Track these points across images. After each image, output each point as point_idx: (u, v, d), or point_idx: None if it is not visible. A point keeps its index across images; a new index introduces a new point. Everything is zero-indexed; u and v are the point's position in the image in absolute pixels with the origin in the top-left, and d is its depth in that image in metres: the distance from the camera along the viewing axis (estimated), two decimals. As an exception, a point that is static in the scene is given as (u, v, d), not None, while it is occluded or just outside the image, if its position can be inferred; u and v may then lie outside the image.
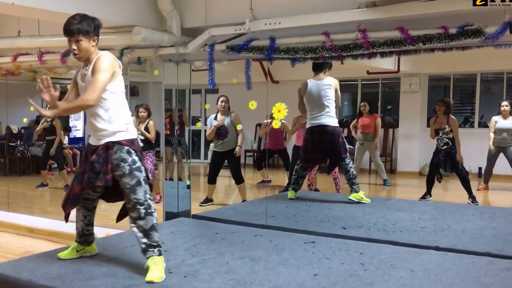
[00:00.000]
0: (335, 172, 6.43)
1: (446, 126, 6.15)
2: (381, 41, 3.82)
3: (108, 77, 2.75)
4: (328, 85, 4.99)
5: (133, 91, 9.47)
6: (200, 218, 4.53)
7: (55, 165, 8.41)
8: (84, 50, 2.82)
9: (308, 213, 4.62)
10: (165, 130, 6.57)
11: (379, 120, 7.97)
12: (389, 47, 3.81)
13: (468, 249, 3.31)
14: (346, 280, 2.74)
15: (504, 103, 7.03)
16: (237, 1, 4.40)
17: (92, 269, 2.91)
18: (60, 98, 2.76)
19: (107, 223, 4.39)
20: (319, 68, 5.05)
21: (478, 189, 7.14)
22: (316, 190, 6.80)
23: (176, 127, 6.88)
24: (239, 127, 6.15)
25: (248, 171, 9.72)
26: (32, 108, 2.84)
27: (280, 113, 4.34)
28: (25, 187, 8.42)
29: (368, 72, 9.24)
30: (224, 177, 7.46)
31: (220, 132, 6.15)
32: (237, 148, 6.15)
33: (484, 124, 9.51)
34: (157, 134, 6.60)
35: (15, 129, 10.03)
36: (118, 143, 2.82)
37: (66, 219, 3.05)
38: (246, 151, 10.20)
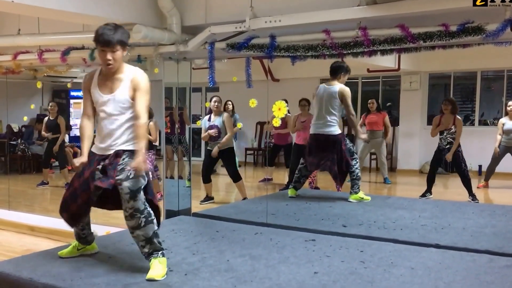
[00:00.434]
0: None
1: (453, 127, 6.14)
2: (382, 39, 3.82)
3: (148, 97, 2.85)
4: (333, 92, 4.91)
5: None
6: (201, 216, 4.54)
7: (56, 164, 8.41)
8: (119, 60, 2.82)
9: (308, 211, 4.62)
10: (165, 128, 6.57)
11: (387, 118, 7.96)
12: (390, 44, 3.81)
13: (468, 247, 3.31)
14: (347, 278, 2.74)
15: (510, 103, 7.01)
16: (237, -1, 4.40)
17: (92, 267, 2.91)
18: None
19: (107, 221, 4.39)
20: (332, 73, 5.00)
21: (478, 187, 7.14)
22: (317, 188, 6.80)
23: (176, 126, 6.88)
24: (239, 125, 6.12)
25: (248, 169, 9.72)
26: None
27: (281, 111, 4.34)
28: (26, 185, 8.42)
29: (368, 70, 9.23)
30: (225, 176, 7.45)
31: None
32: (214, 148, 6.09)
33: (484, 122, 9.51)
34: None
35: (15, 127, 10.03)
36: (128, 151, 2.84)
37: (72, 224, 3.04)
38: (246, 149, 10.22)
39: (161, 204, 4.89)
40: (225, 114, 6.20)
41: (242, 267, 2.94)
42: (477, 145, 7.45)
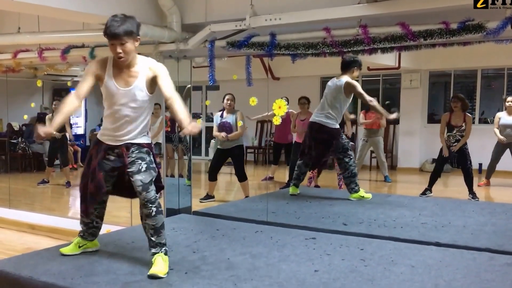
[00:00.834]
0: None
1: (463, 124, 6.12)
2: (382, 37, 3.82)
3: None
4: (340, 85, 4.82)
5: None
6: (201, 215, 4.54)
7: (57, 162, 8.41)
8: (129, 53, 2.74)
9: (308, 210, 4.61)
10: (166, 127, 6.57)
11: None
12: (390, 42, 3.80)
13: (468, 245, 3.31)
14: (347, 276, 2.74)
15: (509, 98, 6.99)
16: (237, -3, 4.39)
17: (93, 265, 2.91)
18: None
19: (107, 219, 4.37)
20: (344, 67, 4.90)
21: (479, 185, 7.14)
22: (317, 186, 6.80)
23: (177, 124, 6.88)
24: (239, 123, 6.14)
25: (249, 168, 9.72)
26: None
27: (281, 109, 4.34)
28: (26, 184, 8.43)
29: (368, 68, 9.23)
30: (225, 174, 7.47)
31: (225, 129, 6.15)
32: (222, 134, 6.11)
33: (484, 120, 9.51)
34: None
35: (16, 126, 10.03)
36: (138, 144, 2.86)
37: (87, 216, 3.08)
38: (247, 147, 10.21)
39: (161, 202, 4.90)
40: (239, 112, 6.21)
41: (243, 265, 2.94)
42: (477, 143, 7.43)
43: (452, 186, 7.58)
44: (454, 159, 6.20)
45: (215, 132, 6.28)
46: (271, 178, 7.95)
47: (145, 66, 2.82)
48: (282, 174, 8.14)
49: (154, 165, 2.88)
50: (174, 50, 4.66)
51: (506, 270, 2.81)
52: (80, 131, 11.29)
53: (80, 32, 4.91)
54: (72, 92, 2.86)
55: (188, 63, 4.87)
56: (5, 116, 9.35)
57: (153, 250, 2.84)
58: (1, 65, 6.28)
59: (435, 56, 8.01)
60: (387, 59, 7.92)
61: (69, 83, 9.34)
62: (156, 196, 2.84)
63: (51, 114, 8.02)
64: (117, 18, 2.72)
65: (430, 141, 6.61)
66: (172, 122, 6.87)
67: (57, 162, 8.34)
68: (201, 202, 6.09)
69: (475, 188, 6.20)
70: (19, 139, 9.73)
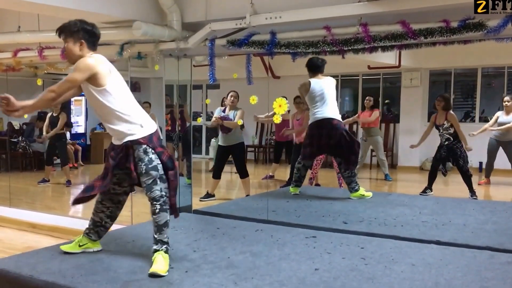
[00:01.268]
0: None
1: (445, 122, 6.12)
2: (382, 35, 3.81)
3: (77, 77, 2.73)
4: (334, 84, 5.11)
5: (134, 86, 9.47)
6: (201, 213, 4.54)
7: (57, 161, 8.42)
8: (68, 52, 2.86)
9: (309, 208, 4.62)
10: (166, 126, 6.57)
11: (376, 113, 7.86)
12: (391, 41, 3.80)
13: (469, 243, 3.31)
14: (347, 275, 2.74)
15: (506, 98, 7.00)
16: (237, -4, 4.39)
17: (93, 264, 2.91)
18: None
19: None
20: (323, 69, 5.08)
21: (479, 184, 7.14)
22: (317, 185, 6.79)
23: (177, 123, 6.88)
24: (239, 122, 6.12)
25: (249, 166, 9.70)
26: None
27: (281, 108, 4.33)
28: (27, 182, 8.43)
29: (369, 67, 9.22)
30: (226, 173, 7.44)
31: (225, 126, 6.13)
32: (217, 120, 6.07)
33: (485, 119, 9.49)
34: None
35: (16, 125, 10.04)
36: (136, 142, 2.87)
37: (76, 202, 3.11)
38: (247, 146, 10.20)
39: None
40: (240, 110, 6.18)
41: (243, 264, 2.95)
42: (477, 142, 7.42)
43: (453, 184, 7.58)
44: (449, 159, 6.19)
45: (213, 120, 6.25)
46: (271, 177, 7.94)
47: None
48: (283, 173, 8.13)
49: (154, 164, 2.86)
50: (174, 49, 4.66)
51: (506, 269, 2.80)
52: (81, 130, 11.29)
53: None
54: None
55: (188, 61, 4.86)
56: (5, 115, 9.33)
57: (155, 247, 2.87)
58: (1, 64, 6.29)
59: (435, 55, 8.01)
60: (387, 58, 7.91)
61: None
62: (162, 194, 2.87)
63: (51, 113, 8.04)
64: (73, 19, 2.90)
65: (430, 139, 6.59)
66: (172, 121, 6.88)
67: (57, 161, 8.35)
68: (201, 201, 6.08)
69: (475, 187, 6.19)
70: (20, 138, 9.73)
